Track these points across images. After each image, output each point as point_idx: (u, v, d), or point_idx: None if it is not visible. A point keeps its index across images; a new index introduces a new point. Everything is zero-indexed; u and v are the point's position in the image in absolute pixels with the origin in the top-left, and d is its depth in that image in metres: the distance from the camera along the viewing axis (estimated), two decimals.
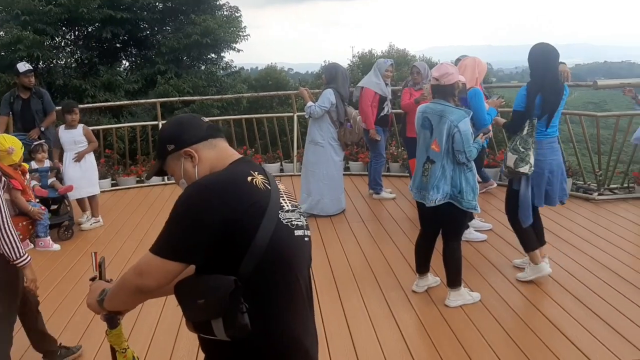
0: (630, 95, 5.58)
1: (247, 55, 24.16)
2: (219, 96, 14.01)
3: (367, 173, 7.27)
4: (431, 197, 3.80)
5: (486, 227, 5.55)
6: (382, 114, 6.54)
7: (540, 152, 4.09)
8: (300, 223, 1.61)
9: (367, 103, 6.42)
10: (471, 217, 5.43)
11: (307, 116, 6.11)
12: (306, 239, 1.62)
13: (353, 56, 26.89)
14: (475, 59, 4.98)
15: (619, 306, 3.86)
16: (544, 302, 4.02)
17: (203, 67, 20.39)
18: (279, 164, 8.69)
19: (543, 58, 4.03)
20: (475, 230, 5.37)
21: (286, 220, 1.55)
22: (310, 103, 6.02)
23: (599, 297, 4.02)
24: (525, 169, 4.04)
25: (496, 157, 7.48)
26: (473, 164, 3.84)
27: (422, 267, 4.22)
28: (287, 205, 1.59)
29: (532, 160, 4.04)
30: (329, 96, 5.92)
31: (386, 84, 6.52)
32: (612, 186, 6.81)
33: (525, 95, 4.06)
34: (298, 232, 1.58)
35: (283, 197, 1.60)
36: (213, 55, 20.47)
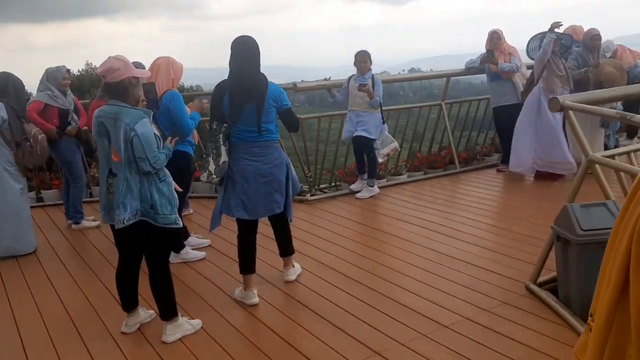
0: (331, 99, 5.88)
1: None
2: None
3: (62, 202, 6.18)
4: (119, 217, 3.13)
5: (204, 243, 5.09)
6: (69, 128, 5.57)
7: (233, 156, 3.78)
8: None
9: (34, 116, 5.37)
10: (186, 235, 4.92)
11: None
12: None
13: None
14: (169, 58, 4.46)
15: (346, 306, 3.74)
16: (270, 316, 3.70)
17: None
18: None
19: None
20: (193, 249, 4.86)
21: None
22: None
23: (325, 299, 3.87)
24: (203, 176, 3.77)
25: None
26: (166, 172, 3.29)
27: (129, 302, 3.53)
28: None
29: (211, 167, 3.72)
30: None
31: (65, 94, 5.61)
32: (322, 186, 7.03)
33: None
34: None
35: None
36: None
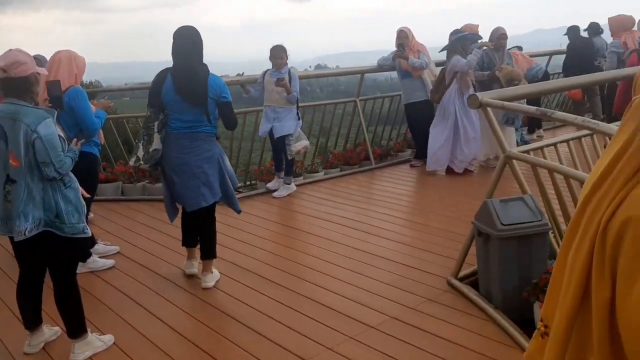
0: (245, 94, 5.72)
1: None
2: None
3: None
4: (19, 228, 2.80)
5: (112, 250, 4.74)
6: None
7: (166, 146, 3.78)
8: None
9: None
10: (93, 242, 4.56)
11: None
12: None
13: None
14: (70, 51, 4.10)
15: (269, 311, 3.60)
16: (189, 327, 3.48)
17: None
18: None
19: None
20: (100, 257, 4.52)
21: None
22: None
23: (246, 305, 3.70)
24: (131, 161, 3.87)
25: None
26: (72, 177, 2.99)
27: (32, 319, 3.19)
28: None
29: (140, 153, 3.76)
30: None
31: None
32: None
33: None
34: None
35: None
36: None
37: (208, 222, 4.03)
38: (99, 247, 4.68)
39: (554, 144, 3.75)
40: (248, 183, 6.92)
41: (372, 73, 7.77)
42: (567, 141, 3.79)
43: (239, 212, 4.18)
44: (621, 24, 6.78)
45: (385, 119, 8.15)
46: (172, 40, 3.74)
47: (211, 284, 3.98)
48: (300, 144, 6.11)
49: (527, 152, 3.62)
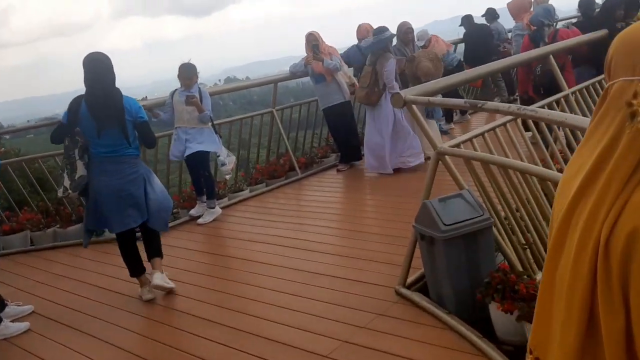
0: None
1: None
2: None
3: None
4: None
5: (26, 310, 4.20)
6: None
7: (91, 172, 3.85)
8: None
9: None
10: (2, 305, 4.02)
11: None
12: None
13: None
14: None
15: (207, 356, 3.25)
16: None
17: None
18: None
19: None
20: (12, 321, 3.99)
21: None
22: None
23: (180, 352, 3.33)
24: (60, 191, 3.89)
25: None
26: None
27: None
28: None
29: (66, 183, 3.82)
30: None
31: None
32: None
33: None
34: None
35: None
36: None
37: (151, 236, 4.11)
38: (10, 309, 4.13)
39: (482, 134, 3.64)
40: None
41: (283, 81, 7.52)
42: (493, 129, 3.70)
43: (162, 230, 4.23)
44: (520, 6, 6.92)
45: (305, 125, 7.93)
46: (82, 68, 3.78)
47: (160, 282, 3.99)
48: (232, 162, 5.79)
49: (458, 145, 3.48)
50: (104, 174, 3.82)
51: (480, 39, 8.73)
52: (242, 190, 6.59)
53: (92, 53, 3.89)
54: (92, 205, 3.94)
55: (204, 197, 5.87)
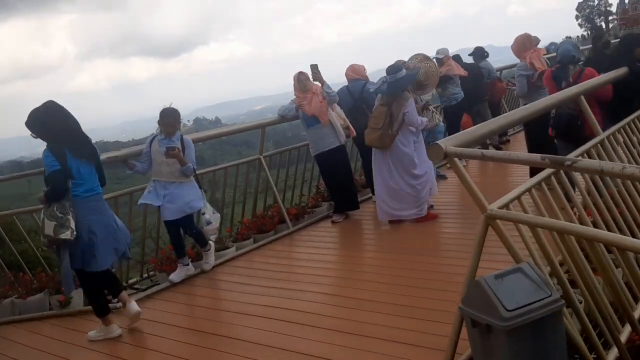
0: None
1: None
2: None
3: None
4: None
5: None
6: None
7: (79, 212, 3.89)
8: None
9: None
10: None
11: None
12: None
13: None
14: None
15: None
16: None
17: None
18: None
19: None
20: None
21: None
22: None
23: None
24: (66, 234, 3.78)
25: None
26: None
27: None
28: None
29: (73, 225, 3.81)
30: None
31: None
32: (130, 281, 5.51)
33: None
34: None
35: None
36: None
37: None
38: None
39: (528, 190, 3.01)
40: (145, 276, 5.63)
41: (272, 125, 6.86)
42: (539, 183, 3.09)
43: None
44: (522, 44, 6.47)
45: (295, 174, 7.25)
46: (50, 117, 3.85)
47: (138, 308, 4.16)
48: (217, 220, 5.12)
49: (507, 205, 2.84)
50: (92, 212, 3.97)
51: (470, 78, 8.36)
52: (228, 247, 5.83)
53: (49, 101, 3.96)
54: (82, 247, 3.93)
55: (186, 259, 5.10)
